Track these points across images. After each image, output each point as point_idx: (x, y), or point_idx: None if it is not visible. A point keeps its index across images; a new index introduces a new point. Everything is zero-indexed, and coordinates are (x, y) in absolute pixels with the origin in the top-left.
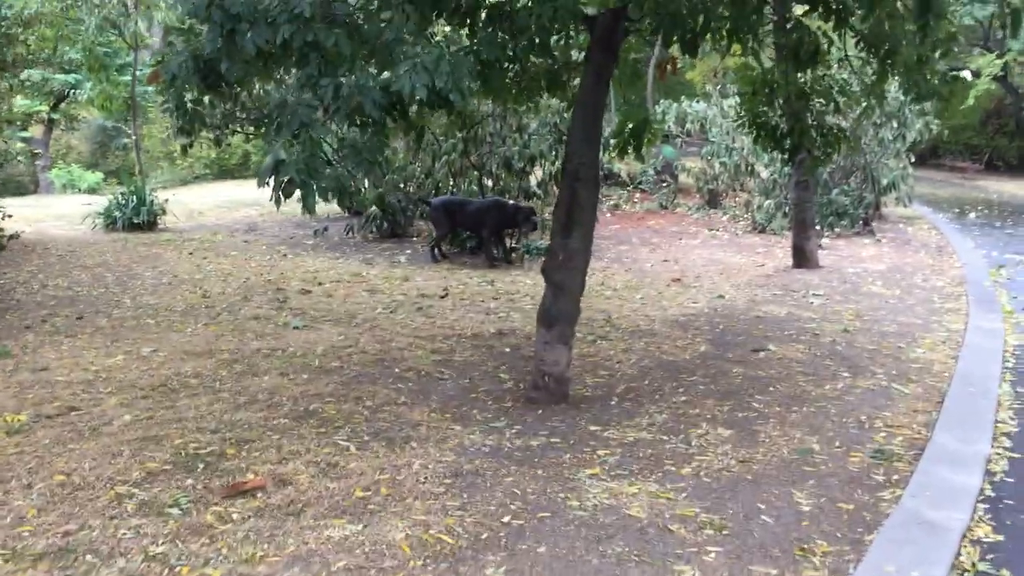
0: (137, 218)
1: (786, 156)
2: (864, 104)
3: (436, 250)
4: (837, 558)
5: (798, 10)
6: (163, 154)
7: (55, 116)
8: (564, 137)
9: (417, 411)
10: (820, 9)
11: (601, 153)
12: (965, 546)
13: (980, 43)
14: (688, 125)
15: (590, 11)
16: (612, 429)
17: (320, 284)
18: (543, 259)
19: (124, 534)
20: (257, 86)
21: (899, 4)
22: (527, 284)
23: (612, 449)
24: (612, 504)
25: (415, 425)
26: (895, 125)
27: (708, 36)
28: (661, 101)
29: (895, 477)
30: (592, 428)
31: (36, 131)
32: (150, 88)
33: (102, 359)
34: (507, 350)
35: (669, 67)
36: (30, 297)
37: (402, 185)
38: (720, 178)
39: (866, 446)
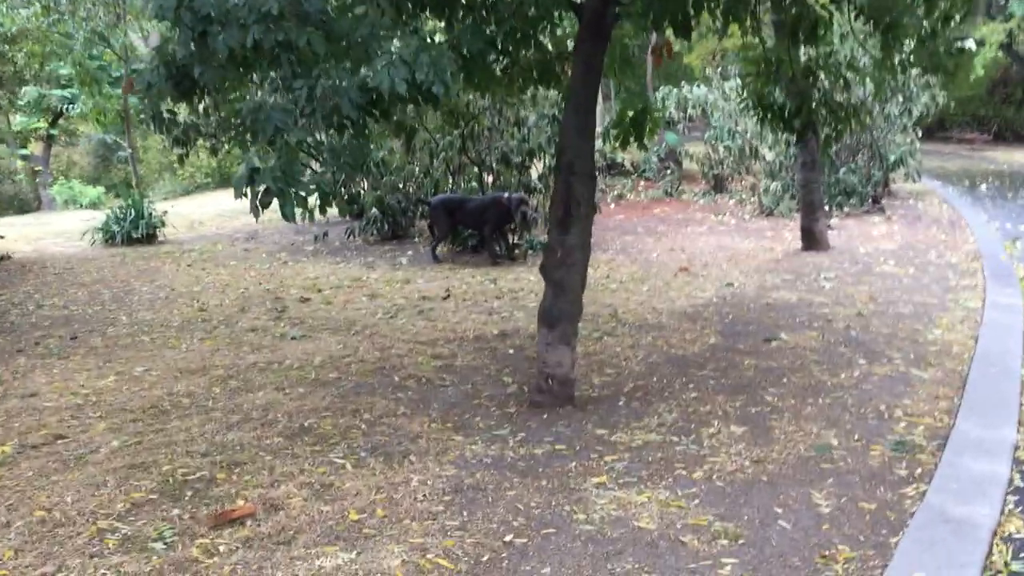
0: (136, 232)
1: (795, 137)
2: (876, 78)
3: (435, 251)
4: (861, 564)
5: None
6: (163, 165)
7: (54, 132)
8: None
9: (417, 422)
10: None
11: (603, 143)
12: (996, 544)
13: (983, 11)
14: (690, 110)
15: None
16: (620, 432)
17: (319, 291)
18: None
19: (103, 574)
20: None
21: None
22: (531, 281)
23: (620, 454)
24: (620, 516)
25: (414, 437)
26: (900, 100)
27: (703, 16)
28: (661, 87)
29: (918, 471)
30: (599, 432)
31: (36, 148)
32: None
33: (93, 381)
34: (511, 351)
35: (664, 52)
36: (24, 319)
37: (401, 185)
38: (725, 162)
39: (886, 438)
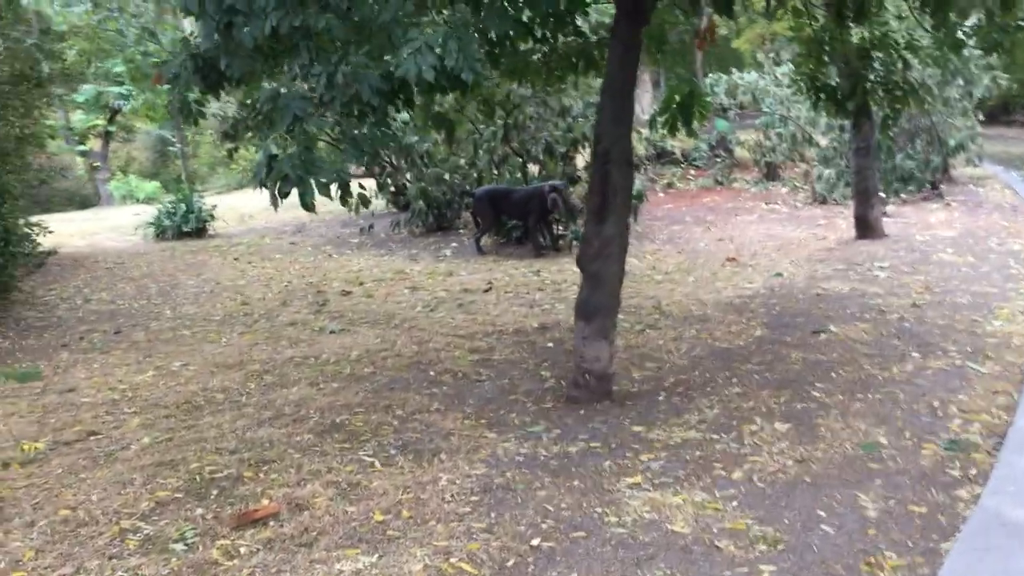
0: (186, 226)
1: (849, 120)
2: (937, 57)
3: (479, 242)
4: (909, 572)
5: None
6: (216, 160)
7: (111, 129)
8: None
9: (450, 418)
10: None
11: (650, 131)
12: None
13: None
14: (740, 96)
15: None
16: (658, 429)
17: (361, 284)
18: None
19: None
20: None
21: None
22: (574, 272)
23: (656, 453)
24: (654, 519)
25: (446, 435)
26: (961, 82)
27: None
28: (710, 74)
29: (973, 471)
30: (636, 429)
31: (95, 144)
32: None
33: (132, 376)
34: (550, 345)
35: (708, 36)
36: (71, 313)
37: (446, 177)
38: (777, 149)
39: (940, 436)
